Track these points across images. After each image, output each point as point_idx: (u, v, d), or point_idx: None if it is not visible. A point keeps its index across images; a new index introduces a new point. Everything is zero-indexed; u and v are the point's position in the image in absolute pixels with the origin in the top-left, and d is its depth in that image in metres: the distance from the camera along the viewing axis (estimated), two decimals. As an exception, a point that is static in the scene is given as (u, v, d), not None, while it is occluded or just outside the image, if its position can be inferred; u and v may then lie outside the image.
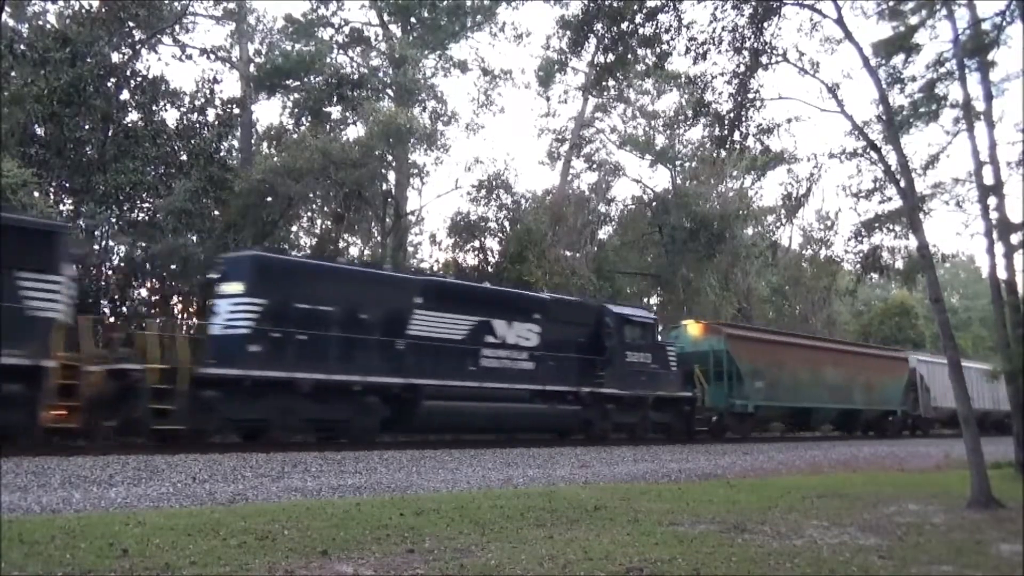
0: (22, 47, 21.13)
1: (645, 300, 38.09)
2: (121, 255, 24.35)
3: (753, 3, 11.83)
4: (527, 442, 16.87)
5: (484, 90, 33.12)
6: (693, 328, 23.66)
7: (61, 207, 21.84)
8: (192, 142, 23.83)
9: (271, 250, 16.71)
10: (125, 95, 23.74)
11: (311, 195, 26.97)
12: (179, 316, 24.14)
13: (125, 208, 22.94)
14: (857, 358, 27.58)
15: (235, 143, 27.40)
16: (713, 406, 21.82)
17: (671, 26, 12.48)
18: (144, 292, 24.99)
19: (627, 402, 19.17)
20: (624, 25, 12.70)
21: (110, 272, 23.56)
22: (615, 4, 12.67)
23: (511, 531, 6.85)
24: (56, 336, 11.66)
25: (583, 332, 19.15)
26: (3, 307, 11.00)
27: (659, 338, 21.98)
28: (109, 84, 22.80)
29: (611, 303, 21.74)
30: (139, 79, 23.85)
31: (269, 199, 24.95)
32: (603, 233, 35.53)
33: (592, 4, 13.00)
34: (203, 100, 24.92)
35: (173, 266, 23.57)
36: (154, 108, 23.87)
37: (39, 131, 21.88)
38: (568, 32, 16.56)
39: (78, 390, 11.69)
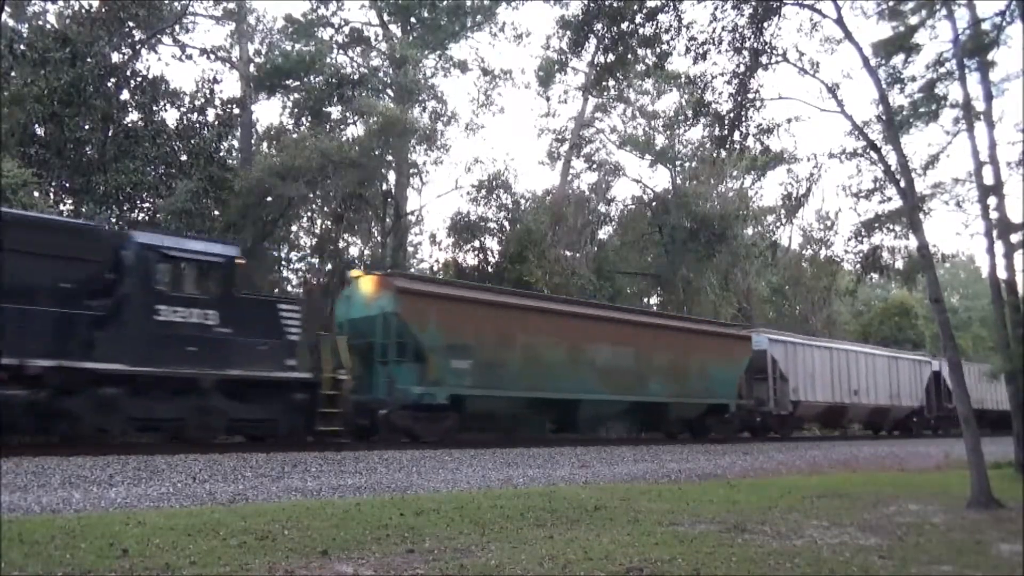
0: (22, 47, 21.15)
1: (645, 300, 38.12)
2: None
3: (753, 3, 11.85)
4: (527, 442, 16.83)
5: (484, 90, 33.20)
6: (365, 283, 16.50)
7: (61, 207, 21.84)
8: (192, 142, 23.84)
9: None
10: (125, 95, 23.76)
11: (311, 195, 26.97)
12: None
13: (125, 208, 22.94)
14: (660, 333, 20.24)
15: (235, 143, 27.43)
16: (370, 395, 15.57)
17: (671, 26, 12.53)
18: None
19: (154, 385, 12.07)
20: (624, 25, 12.74)
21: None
22: (615, 4, 12.70)
23: (511, 531, 6.86)
24: None
25: (74, 272, 11.97)
26: None
27: (248, 287, 14.49)
28: (109, 84, 22.80)
29: (146, 231, 14.77)
30: (139, 79, 23.87)
31: (269, 199, 24.96)
32: (603, 233, 35.54)
33: (592, 4, 13.03)
34: (203, 100, 24.94)
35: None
36: (154, 108, 23.88)
37: (39, 131, 21.88)
38: (568, 32, 16.60)
39: None
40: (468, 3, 31.41)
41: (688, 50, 12.44)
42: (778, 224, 41.12)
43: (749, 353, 22.45)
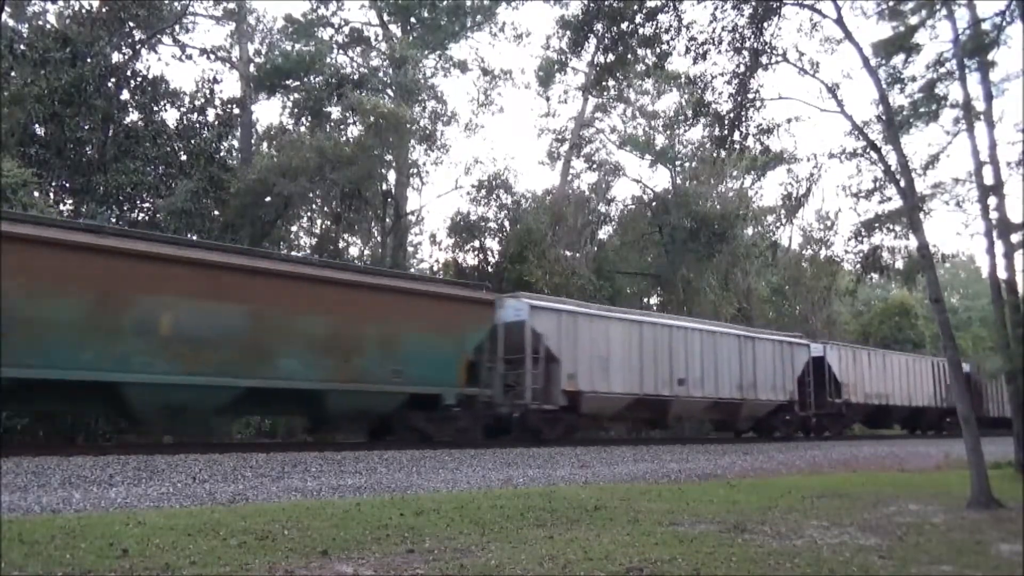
0: (22, 47, 21.16)
1: (645, 300, 38.13)
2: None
3: (753, 3, 11.85)
4: (527, 442, 16.85)
5: (484, 90, 33.23)
6: None
7: (61, 207, 21.84)
8: (192, 142, 23.85)
9: None
10: (125, 95, 23.77)
11: (309, 195, 26.97)
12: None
13: (125, 208, 22.94)
14: (306, 287, 13.62)
15: (235, 143, 27.43)
16: None
17: (671, 26, 12.54)
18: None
19: None
20: (624, 25, 12.75)
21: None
22: (615, 4, 12.71)
23: (511, 531, 6.85)
24: None
25: None
26: None
27: None
28: (109, 84, 22.82)
29: None
30: (139, 79, 23.88)
31: (268, 199, 24.95)
32: (603, 233, 35.55)
33: (592, 4, 13.04)
34: (203, 100, 24.94)
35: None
36: (154, 108, 23.90)
37: (39, 131, 21.89)
38: (568, 32, 16.58)
39: None
40: (468, 3, 31.43)
41: (688, 50, 12.46)
42: (778, 224, 41.14)
43: (487, 323, 16.26)
